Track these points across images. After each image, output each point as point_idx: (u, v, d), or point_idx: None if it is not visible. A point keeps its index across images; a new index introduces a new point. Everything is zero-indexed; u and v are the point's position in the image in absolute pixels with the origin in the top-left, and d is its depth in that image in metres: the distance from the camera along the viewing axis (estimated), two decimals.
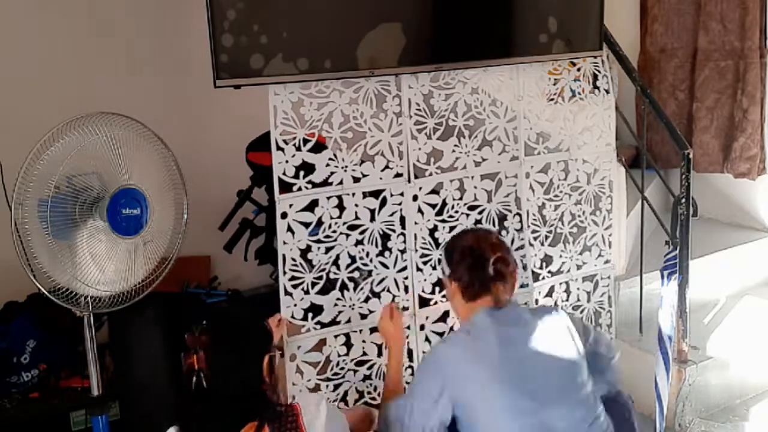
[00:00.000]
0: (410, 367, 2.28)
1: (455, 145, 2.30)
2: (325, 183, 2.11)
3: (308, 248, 2.11)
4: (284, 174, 2.04)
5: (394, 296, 2.24)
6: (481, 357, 1.69)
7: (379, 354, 2.24)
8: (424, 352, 2.30)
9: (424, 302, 2.30)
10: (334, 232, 2.14)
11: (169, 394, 2.45)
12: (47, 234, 1.81)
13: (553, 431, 1.66)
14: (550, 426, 1.66)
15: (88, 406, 2.10)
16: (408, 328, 2.27)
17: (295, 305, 2.10)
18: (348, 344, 2.20)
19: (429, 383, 1.71)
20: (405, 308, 2.26)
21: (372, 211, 2.18)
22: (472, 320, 1.76)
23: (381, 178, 2.19)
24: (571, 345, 1.78)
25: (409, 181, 2.23)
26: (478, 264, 1.77)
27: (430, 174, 2.27)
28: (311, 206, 2.10)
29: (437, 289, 2.30)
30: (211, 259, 3.22)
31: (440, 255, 1.93)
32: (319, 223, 2.11)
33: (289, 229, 2.07)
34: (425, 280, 2.29)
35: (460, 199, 2.33)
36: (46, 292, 1.86)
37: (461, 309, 1.82)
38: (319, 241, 2.12)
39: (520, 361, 1.70)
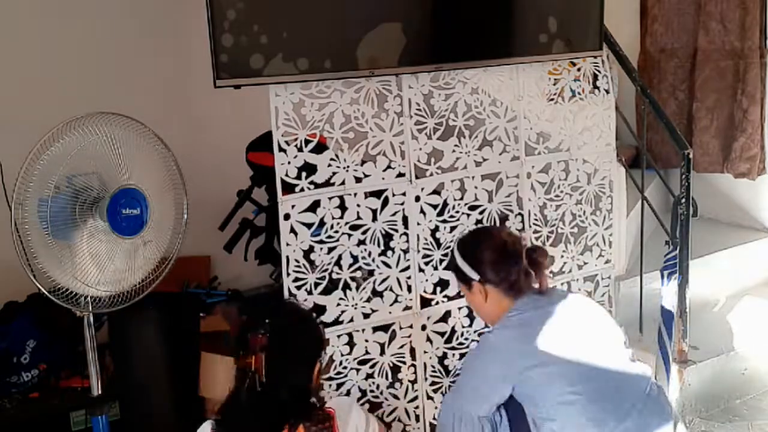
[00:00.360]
0: (413, 365, 2.29)
1: (455, 145, 2.30)
2: (327, 183, 2.10)
3: (311, 249, 2.10)
4: (286, 175, 2.04)
5: (397, 296, 2.24)
6: (534, 335, 1.67)
7: (381, 353, 2.24)
8: (425, 352, 2.30)
9: (425, 302, 2.30)
10: (336, 232, 2.13)
11: (168, 394, 2.46)
12: (47, 234, 1.80)
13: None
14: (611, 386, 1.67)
15: (88, 406, 2.09)
16: (410, 327, 2.27)
17: None
18: (351, 344, 2.20)
19: (487, 369, 1.71)
20: (408, 308, 2.26)
21: (374, 211, 2.18)
22: (516, 306, 1.73)
23: (383, 178, 2.19)
24: (607, 315, 1.81)
25: (411, 181, 2.23)
26: (513, 260, 1.74)
27: (431, 174, 2.26)
28: (313, 207, 2.09)
29: (438, 289, 2.30)
30: (211, 259, 3.22)
31: (453, 262, 1.85)
32: (321, 223, 2.11)
33: (292, 230, 2.06)
34: (426, 280, 2.29)
35: (461, 199, 2.33)
36: (46, 292, 1.85)
37: (497, 309, 1.77)
38: (321, 242, 2.11)
39: (572, 333, 1.70)
